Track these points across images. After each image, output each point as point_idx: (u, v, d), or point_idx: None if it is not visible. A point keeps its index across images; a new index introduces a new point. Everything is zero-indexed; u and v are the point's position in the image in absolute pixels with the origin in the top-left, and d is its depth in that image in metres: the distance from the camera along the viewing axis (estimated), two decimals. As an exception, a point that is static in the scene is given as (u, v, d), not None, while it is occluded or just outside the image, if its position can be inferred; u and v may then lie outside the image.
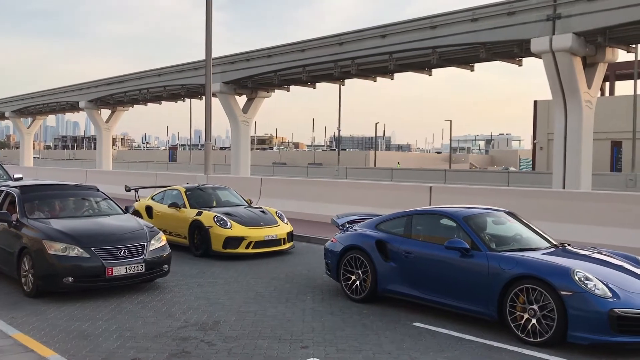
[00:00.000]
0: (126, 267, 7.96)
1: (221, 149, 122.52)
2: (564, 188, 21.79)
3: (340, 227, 9.21)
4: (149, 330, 6.55)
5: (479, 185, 19.61)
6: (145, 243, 8.31)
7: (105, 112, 53.50)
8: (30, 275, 7.90)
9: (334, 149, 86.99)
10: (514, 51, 25.84)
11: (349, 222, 9.27)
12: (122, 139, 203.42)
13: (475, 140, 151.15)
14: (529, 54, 24.90)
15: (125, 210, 9.75)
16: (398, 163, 76.92)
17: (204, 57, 28.52)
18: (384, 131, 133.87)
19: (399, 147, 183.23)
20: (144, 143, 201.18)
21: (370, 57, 31.15)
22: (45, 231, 8.04)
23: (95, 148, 57.93)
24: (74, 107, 56.68)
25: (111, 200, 9.96)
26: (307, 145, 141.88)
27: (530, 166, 59.53)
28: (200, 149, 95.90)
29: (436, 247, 7.41)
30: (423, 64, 30.54)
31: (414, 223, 8.05)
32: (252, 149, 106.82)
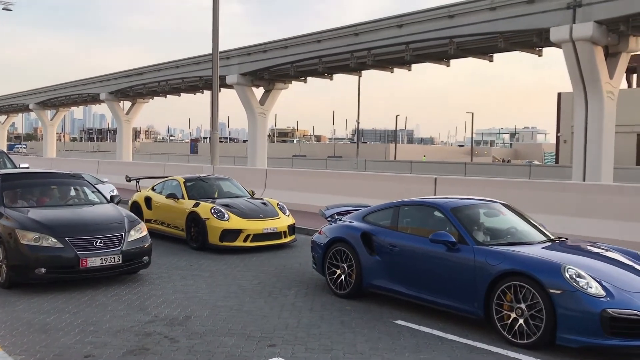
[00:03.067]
0: (102, 258, 7.68)
1: (244, 141, 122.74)
2: (584, 181, 21.03)
3: (329, 219, 8.82)
4: (114, 325, 6.25)
5: (484, 177, 18.99)
6: (123, 234, 8.02)
7: (126, 105, 53.89)
8: (3, 265, 7.68)
9: (355, 142, 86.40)
10: (533, 41, 25.06)
11: (339, 214, 8.85)
12: (146, 131, 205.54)
13: (499, 133, 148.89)
14: (548, 43, 24.12)
15: (110, 200, 9.48)
16: (424, 156, 76.10)
17: (220, 49, 28.23)
18: (406, 124, 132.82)
19: (422, 140, 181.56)
20: (168, 135, 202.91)
21: (386, 48, 30.63)
22: (20, 220, 7.81)
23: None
24: (95, 99, 57.22)
25: (97, 189, 9.70)
26: (329, 138, 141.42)
27: (554, 160, 58.27)
28: (221, 141, 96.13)
29: (422, 241, 6.95)
30: (440, 54, 29.92)
31: (401, 214, 7.61)
32: (273, 142, 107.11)
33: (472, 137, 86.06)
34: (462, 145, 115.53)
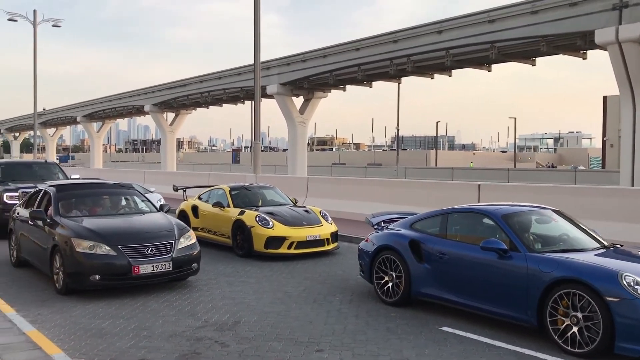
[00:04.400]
0: (153, 266, 7.89)
1: (284, 150, 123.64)
2: (632, 186, 20.44)
3: (375, 227, 8.82)
4: (166, 330, 6.41)
5: (529, 184, 18.59)
6: (173, 241, 8.22)
7: (170, 116, 55.05)
8: (60, 272, 7.96)
9: (395, 149, 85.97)
10: (577, 44, 24.58)
11: (385, 221, 8.85)
12: (189, 141, 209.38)
13: (542, 138, 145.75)
14: (593, 46, 23.62)
15: (160, 209, 9.73)
16: (471, 163, 75.19)
17: (261, 60, 28.48)
18: (446, 130, 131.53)
19: (463, 147, 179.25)
20: (210, 145, 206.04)
21: (426, 54, 30.50)
22: (75, 229, 8.09)
23: (163, 151, 59.71)
24: (139, 111, 58.58)
25: (146, 198, 9.97)
26: (368, 146, 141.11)
27: (600, 165, 56.70)
28: (262, 151, 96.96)
29: (472, 248, 6.89)
30: (481, 59, 29.64)
31: (450, 222, 7.55)
32: (312, 150, 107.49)
33: (515, 143, 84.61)
34: (505, 151, 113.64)
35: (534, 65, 29.55)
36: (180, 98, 49.06)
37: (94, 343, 5.95)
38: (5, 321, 6.43)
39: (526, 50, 27.62)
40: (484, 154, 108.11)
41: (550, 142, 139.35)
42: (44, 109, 73.14)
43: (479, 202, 12.70)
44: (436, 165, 70.71)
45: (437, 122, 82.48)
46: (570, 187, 14.07)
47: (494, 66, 31.45)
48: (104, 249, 7.76)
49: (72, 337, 6.15)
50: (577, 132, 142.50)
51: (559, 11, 23.60)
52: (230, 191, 12.72)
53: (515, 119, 79.81)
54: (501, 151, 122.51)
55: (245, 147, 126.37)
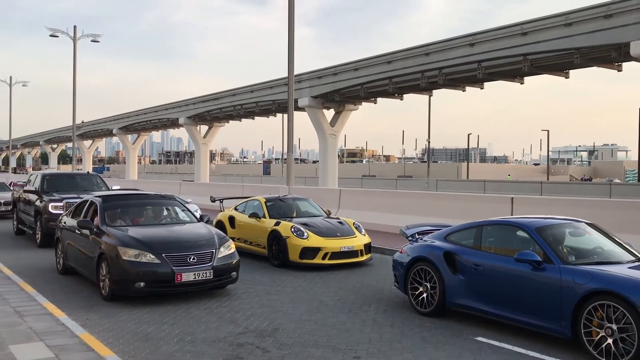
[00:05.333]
0: (195, 274, 8.20)
1: (314, 162, 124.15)
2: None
3: (409, 238, 8.98)
4: (209, 335, 6.69)
5: (562, 197, 18.45)
6: (214, 250, 8.52)
7: (203, 128, 55.98)
8: (107, 279, 8.33)
9: (425, 161, 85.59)
10: (611, 56, 24.39)
11: (420, 233, 9.01)
12: (221, 153, 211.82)
13: (576, 151, 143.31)
14: (628, 58, 23.42)
15: (200, 219, 10.07)
16: (508, 175, 74.43)
17: (295, 73, 28.82)
18: (478, 142, 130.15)
19: (495, 159, 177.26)
20: (241, 157, 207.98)
21: (458, 67, 30.57)
22: (121, 238, 8.46)
23: (194, 162, 60.82)
24: (174, 124, 59.75)
25: (187, 209, 10.33)
26: (398, 158, 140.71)
27: (636, 177, 55.54)
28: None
29: (507, 260, 7.01)
30: (514, 72, 29.58)
31: (485, 234, 7.69)
32: (342, 162, 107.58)
33: (547, 155, 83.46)
34: (538, 164, 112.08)
35: (567, 77, 29.36)
36: (214, 111, 49.95)
37: (141, 347, 6.25)
38: (58, 324, 6.79)
39: (559, 63, 27.49)
40: (516, 167, 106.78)
41: (585, 154, 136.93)
42: (82, 122, 75.09)
43: (512, 215, 12.75)
44: (467, 177, 70.16)
45: (468, 134, 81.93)
46: (604, 200, 13.97)
47: (526, 78, 31.32)
48: (149, 257, 8.10)
49: (120, 340, 6.47)
50: (612, 145, 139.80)
51: (594, 23, 23.47)
52: (266, 202, 13.00)
53: (547, 131, 78.89)
54: (534, 164, 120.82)
55: (276, 159, 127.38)
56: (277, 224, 11.88)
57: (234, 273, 8.76)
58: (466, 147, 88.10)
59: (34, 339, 6.19)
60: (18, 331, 6.48)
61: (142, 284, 8.00)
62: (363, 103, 39.84)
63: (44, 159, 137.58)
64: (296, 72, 39.17)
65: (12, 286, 9.07)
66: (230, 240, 9.18)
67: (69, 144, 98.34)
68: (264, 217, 12.53)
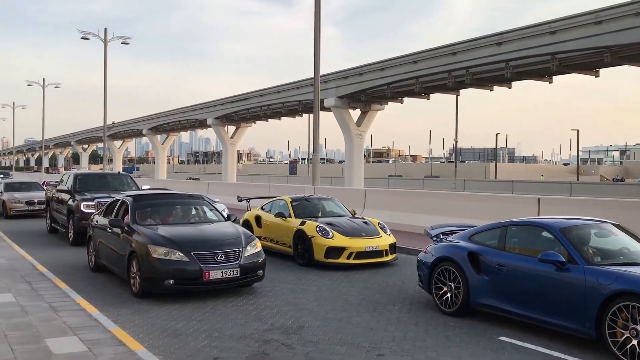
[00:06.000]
0: (222, 272, 8.38)
1: (340, 162, 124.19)
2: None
3: (434, 238, 9.03)
4: (236, 332, 6.85)
5: (591, 197, 18.16)
6: (240, 249, 8.70)
7: (230, 129, 56.54)
8: (137, 277, 8.57)
9: (453, 161, 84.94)
10: (643, 53, 23.94)
11: (444, 233, 9.05)
12: (248, 153, 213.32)
13: (607, 150, 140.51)
14: (661, 55, 22.95)
15: (227, 218, 10.27)
16: (541, 176, 73.49)
17: (321, 73, 28.95)
18: (506, 142, 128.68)
19: (524, 159, 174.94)
20: (268, 157, 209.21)
21: (485, 66, 30.38)
22: (151, 236, 8.69)
23: (221, 162, 61.50)
24: (202, 124, 60.46)
25: (215, 208, 10.54)
26: (425, 158, 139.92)
27: (671, 178, 54.32)
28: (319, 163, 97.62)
29: (530, 260, 7.03)
30: (542, 71, 29.27)
31: (509, 234, 7.70)
32: (368, 162, 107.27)
33: (577, 155, 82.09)
34: (568, 164, 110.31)
35: (597, 76, 28.93)
36: (241, 112, 50.42)
37: (170, 342, 6.44)
38: (91, 320, 7.03)
39: (589, 62, 27.12)
40: (545, 167, 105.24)
41: (616, 154, 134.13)
42: (112, 122, 76.47)
43: (538, 216, 12.68)
44: (495, 177, 69.45)
45: (496, 134, 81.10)
46: (636, 201, 13.77)
47: (555, 77, 30.96)
48: (178, 255, 8.31)
49: (150, 336, 6.67)
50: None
51: (624, 21, 23.11)
52: (291, 202, 13.15)
53: (577, 130, 77.64)
54: (563, 164, 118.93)
55: (302, 159, 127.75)
56: (303, 223, 12.01)
57: (260, 271, 8.93)
58: (494, 146, 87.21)
59: (68, 333, 6.43)
60: (53, 325, 6.74)
61: (171, 281, 8.21)
62: (389, 103, 39.80)
63: (76, 158, 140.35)
64: (322, 72, 39.33)
65: (47, 283, 9.39)
66: (257, 239, 9.35)
67: (100, 144, 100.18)
68: (290, 216, 12.68)
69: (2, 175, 43.77)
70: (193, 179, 72.95)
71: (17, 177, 48.42)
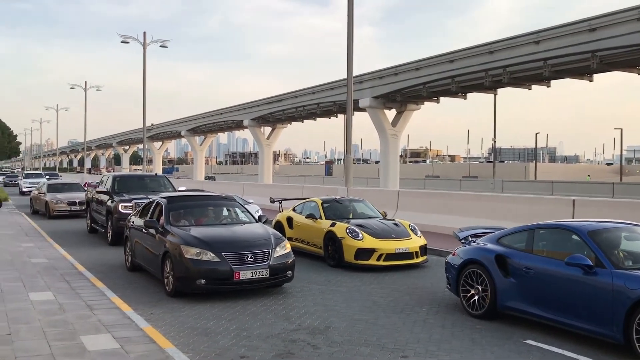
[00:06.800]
0: (252, 272, 8.56)
1: (376, 162, 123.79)
2: None
3: (462, 241, 9.01)
4: (264, 331, 7.01)
5: (632, 199, 17.67)
6: (270, 250, 8.86)
7: (266, 130, 57.08)
8: (170, 276, 8.82)
9: (491, 161, 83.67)
10: (689, 50, 23.21)
11: (473, 236, 9.02)
12: (284, 154, 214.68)
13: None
14: None
15: (258, 220, 10.45)
16: (588, 176, 71.89)
17: (356, 74, 28.99)
18: (547, 141, 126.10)
19: (565, 159, 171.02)
20: (304, 158, 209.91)
21: (523, 65, 29.91)
22: (184, 237, 8.93)
23: (259, 163, 62.15)
24: (239, 126, 61.17)
25: (246, 210, 10.74)
26: (464, 158, 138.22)
27: None
28: (354, 163, 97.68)
29: (558, 264, 6.96)
30: (582, 69, 28.65)
31: (537, 237, 7.64)
32: (405, 163, 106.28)
33: (621, 155, 79.84)
34: (611, 164, 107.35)
35: (640, 74, 28.14)
36: (277, 113, 50.83)
37: (200, 340, 6.64)
38: (125, 318, 7.29)
39: (631, 59, 26.41)
40: (588, 167, 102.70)
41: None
42: (152, 124, 78.08)
43: (573, 218, 12.47)
44: (535, 178, 68.14)
45: (536, 134, 79.51)
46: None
47: (595, 75, 30.25)
48: (209, 256, 8.53)
49: (181, 334, 6.88)
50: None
51: (667, 17, 22.45)
52: (322, 204, 13.27)
53: (621, 129, 75.51)
54: (606, 164, 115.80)
55: (337, 160, 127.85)
56: (333, 225, 12.11)
57: (290, 272, 9.07)
58: (534, 146, 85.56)
59: (102, 330, 6.69)
60: (88, 323, 7.02)
61: (202, 281, 8.43)
62: (425, 102, 39.53)
63: (117, 159, 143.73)
64: (358, 72, 39.39)
65: (85, 281, 9.74)
66: (286, 240, 9.50)
67: (140, 146, 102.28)
68: (320, 218, 12.79)
69: (48, 177, 45.13)
70: (208, 177, 74.71)
71: (61, 178, 49.88)
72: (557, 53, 27.40)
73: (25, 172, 62.11)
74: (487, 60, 30.90)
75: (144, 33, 41.20)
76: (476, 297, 7.82)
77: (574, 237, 7.11)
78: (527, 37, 28.73)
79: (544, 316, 6.98)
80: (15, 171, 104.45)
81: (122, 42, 40.73)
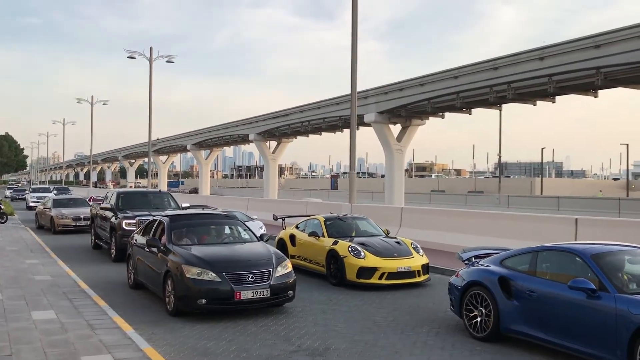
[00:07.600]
0: (253, 292, 8.54)
1: (382, 176, 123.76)
2: None
3: (466, 262, 8.98)
4: (263, 352, 6.98)
5: (635, 219, 17.58)
6: (271, 269, 8.85)
7: (272, 144, 57.27)
8: (172, 295, 8.82)
9: (497, 176, 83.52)
10: (692, 67, 23.20)
11: (477, 257, 8.99)
12: (290, 167, 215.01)
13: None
14: None
15: (260, 238, 10.46)
16: (600, 191, 71.50)
17: (361, 89, 29.23)
18: (553, 156, 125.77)
19: (572, 174, 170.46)
20: (310, 171, 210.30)
21: (527, 81, 30.00)
22: (185, 256, 8.94)
23: (264, 177, 62.30)
24: (244, 140, 61.41)
25: (248, 228, 10.74)
26: (469, 172, 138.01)
27: None
28: (360, 177, 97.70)
29: (561, 287, 6.91)
30: (586, 85, 28.69)
31: (540, 260, 7.60)
32: (411, 177, 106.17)
33: (627, 170, 79.51)
34: (618, 179, 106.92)
35: (645, 90, 28.12)
36: (282, 127, 51.04)
37: (199, 362, 6.62)
38: (125, 338, 7.28)
39: (636, 76, 26.42)
40: (594, 182, 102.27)
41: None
42: (157, 138, 78.44)
43: (575, 238, 12.40)
44: (541, 193, 67.89)
45: (542, 149, 79.34)
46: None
47: (601, 91, 30.26)
48: (210, 276, 8.53)
49: (181, 355, 6.86)
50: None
51: (672, 34, 22.48)
52: (325, 221, 13.25)
53: (627, 145, 75.30)
54: (613, 179, 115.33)
55: (343, 173, 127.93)
56: (335, 243, 12.09)
57: (291, 292, 9.05)
58: (540, 161, 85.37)
59: (103, 351, 6.68)
60: (89, 343, 7.01)
61: (203, 300, 8.42)
62: (430, 118, 39.62)
63: (123, 173, 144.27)
64: (364, 87, 39.50)
65: (87, 300, 9.74)
66: (288, 259, 9.49)
67: (146, 159, 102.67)
68: (323, 235, 12.78)
69: (56, 191, 44.99)
70: (191, 191, 75.92)
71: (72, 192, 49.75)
72: (562, 69, 27.47)
73: (33, 185, 62.35)
74: (492, 77, 31.01)
75: (150, 48, 41.53)
76: (479, 319, 7.77)
77: (577, 259, 7.07)
78: (531, 54, 28.84)
79: (547, 339, 6.92)
80: (20, 184, 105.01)
81: (129, 57, 41.06)
